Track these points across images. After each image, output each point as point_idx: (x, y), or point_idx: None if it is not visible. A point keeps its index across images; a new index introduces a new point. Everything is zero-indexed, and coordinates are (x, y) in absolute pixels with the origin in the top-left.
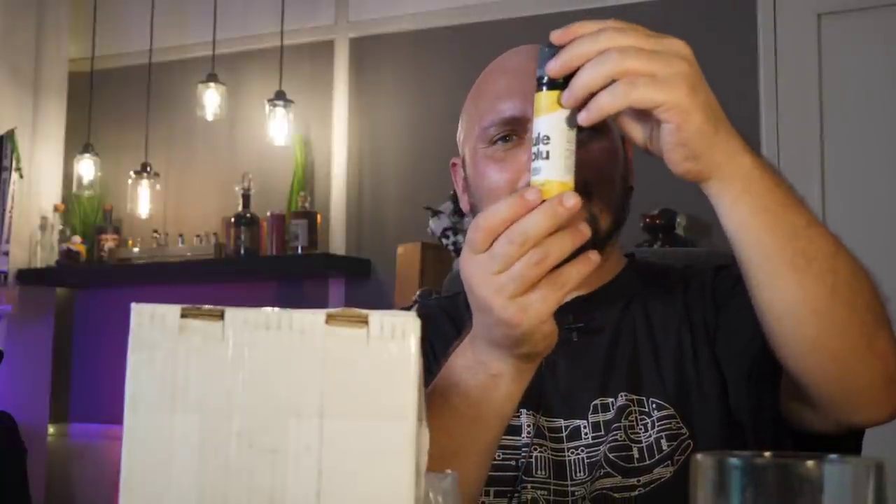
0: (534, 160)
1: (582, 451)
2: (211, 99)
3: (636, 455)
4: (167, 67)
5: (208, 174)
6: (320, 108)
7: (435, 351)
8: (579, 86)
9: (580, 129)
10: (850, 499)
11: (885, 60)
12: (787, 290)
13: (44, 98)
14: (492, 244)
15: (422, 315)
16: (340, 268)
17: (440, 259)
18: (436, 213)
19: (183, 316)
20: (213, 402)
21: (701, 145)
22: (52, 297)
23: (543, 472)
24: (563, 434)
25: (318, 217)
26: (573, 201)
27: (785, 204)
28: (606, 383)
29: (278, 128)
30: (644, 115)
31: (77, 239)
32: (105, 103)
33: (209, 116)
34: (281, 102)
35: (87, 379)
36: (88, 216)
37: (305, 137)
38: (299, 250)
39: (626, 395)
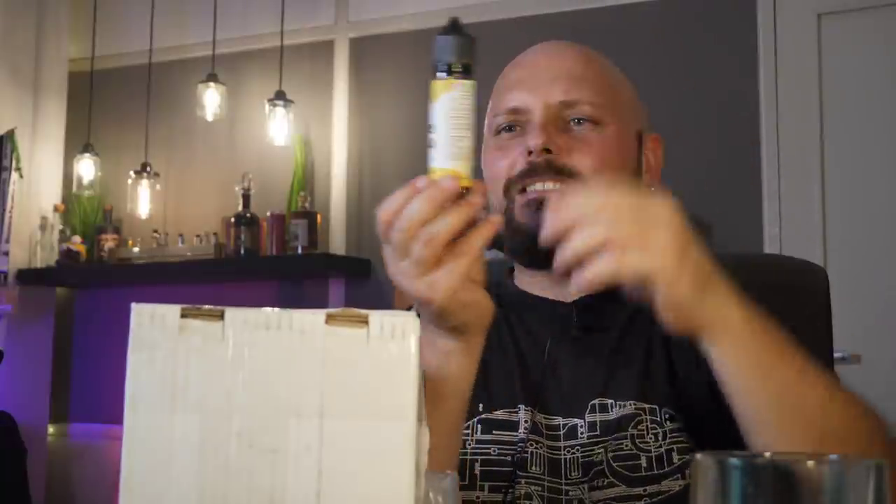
0: (428, 148)
1: (577, 450)
2: (211, 99)
3: (644, 464)
4: (167, 67)
5: (208, 174)
6: (320, 108)
7: None
8: (569, 253)
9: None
10: (850, 499)
11: (885, 60)
12: (775, 437)
13: (44, 98)
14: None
15: None
16: (340, 268)
17: None
18: None
19: (183, 316)
20: (213, 402)
21: (689, 307)
22: (52, 297)
23: (538, 469)
24: (561, 432)
25: (318, 217)
26: (448, 184)
27: (776, 357)
28: (608, 384)
29: (278, 128)
30: None
31: (77, 239)
32: (105, 103)
33: (209, 116)
34: (281, 102)
35: (87, 379)
36: (88, 216)
37: (305, 137)
38: (299, 250)
39: (635, 404)
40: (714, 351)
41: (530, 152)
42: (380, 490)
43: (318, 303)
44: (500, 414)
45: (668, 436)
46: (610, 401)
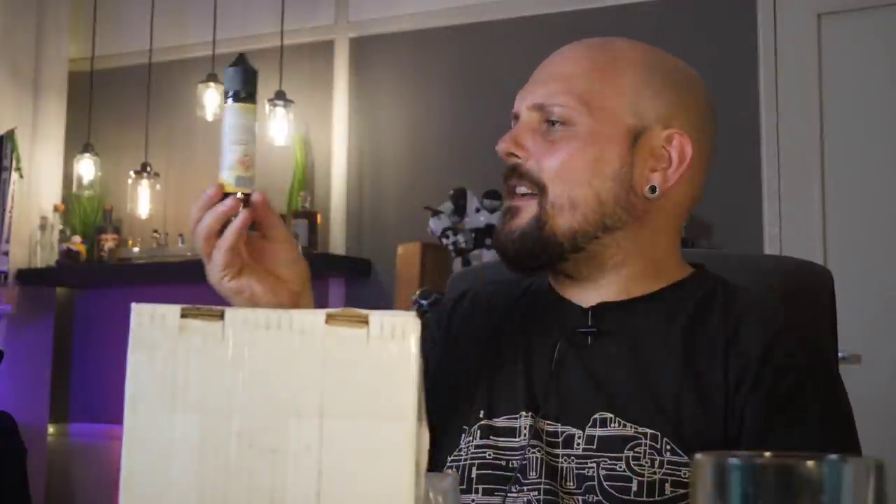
0: None
1: (573, 460)
2: (211, 99)
3: (634, 488)
4: (167, 67)
5: (208, 174)
6: (320, 108)
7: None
8: None
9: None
10: (850, 499)
11: (885, 60)
12: None
13: (44, 98)
14: None
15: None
16: (340, 268)
17: (440, 259)
18: (436, 213)
19: (183, 316)
20: (213, 402)
21: None
22: (52, 297)
23: (535, 474)
24: (559, 440)
25: (318, 217)
26: (209, 192)
27: None
28: (614, 398)
29: (278, 128)
30: None
31: (77, 239)
32: (105, 103)
33: (209, 116)
34: (281, 102)
35: (87, 379)
36: (88, 216)
37: (305, 137)
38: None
39: (636, 427)
40: None
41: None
42: (380, 490)
43: (318, 303)
44: (500, 421)
45: (665, 465)
46: (610, 415)
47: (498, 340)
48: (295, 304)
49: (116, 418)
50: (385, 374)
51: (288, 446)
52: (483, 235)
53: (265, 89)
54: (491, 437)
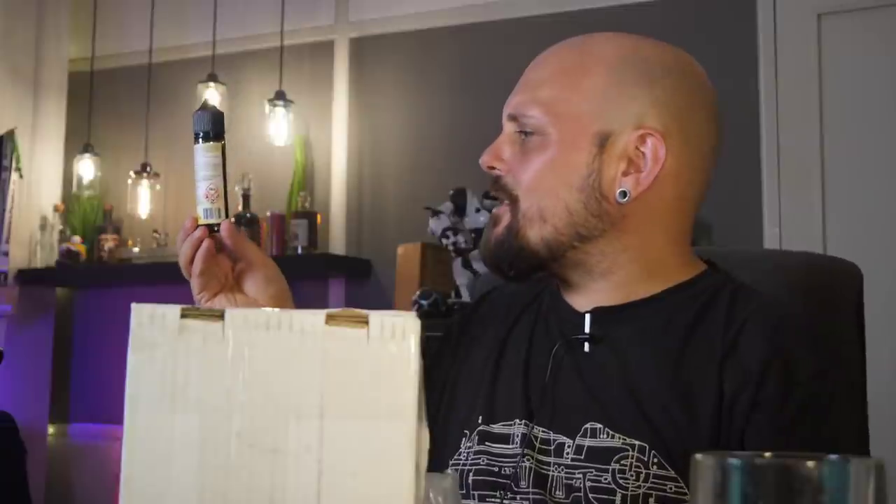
0: None
1: (562, 469)
2: (211, 99)
3: (618, 501)
4: (167, 67)
5: None
6: (320, 108)
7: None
8: None
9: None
10: (850, 499)
11: (885, 60)
12: None
13: (44, 98)
14: None
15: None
16: (340, 268)
17: (440, 259)
18: (436, 213)
19: (183, 316)
20: (213, 402)
21: None
22: (52, 297)
23: (525, 483)
24: (551, 448)
25: (318, 217)
26: (186, 224)
27: None
28: (606, 409)
29: (278, 128)
30: None
31: (77, 239)
32: (105, 103)
33: None
34: (281, 102)
35: (87, 379)
36: (88, 216)
37: (305, 137)
38: (299, 250)
39: (624, 439)
40: None
41: None
42: (380, 490)
43: (318, 303)
44: (497, 427)
45: (651, 479)
46: (600, 426)
47: (506, 344)
48: None
49: (116, 418)
50: (385, 374)
51: (288, 446)
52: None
53: (265, 89)
54: (487, 442)
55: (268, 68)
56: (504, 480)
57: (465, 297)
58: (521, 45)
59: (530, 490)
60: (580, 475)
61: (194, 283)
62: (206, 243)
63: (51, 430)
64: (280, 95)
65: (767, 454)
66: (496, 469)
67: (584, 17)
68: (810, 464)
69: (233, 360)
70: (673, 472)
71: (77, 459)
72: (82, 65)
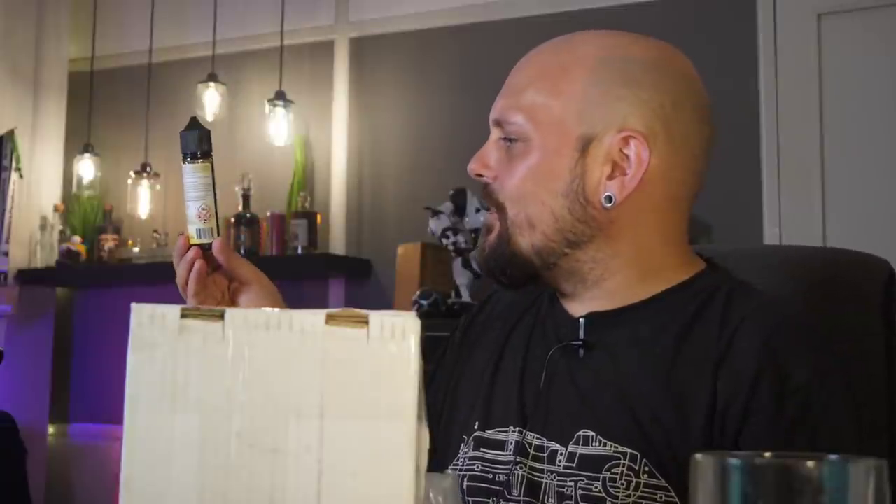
0: None
1: (554, 477)
2: (211, 99)
3: None
4: (167, 67)
5: None
6: (320, 108)
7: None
8: None
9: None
10: (850, 499)
11: (885, 60)
12: None
13: (44, 98)
14: None
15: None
16: (340, 268)
17: (440, 259)
18: (436, 213)
19: (183, 316)
20: (213, 402)
21: None
22: (52, 297)
23: (517, 491)
24: (544, 455)
25: (318, 217)
26: (179, 243)
27: None
28: (598, 416)
29: (278, 128)
30: None
31: (77, 239)
32: (105, 103)
33: (209, 116)
34: (281, 102)
35: (87, 379)
36: (88, 216)
37: (305, 137)
38: (299, 250)
39: (616, 447)
40: None
41: None
42: (380, 490)
43: (318, 303)
44: (492, 433)
45: (642, 488)
46: (593, 434)
47: (505, 349)
48: None
49: (116, 418)
50: (385, 374)
51: (288, 446)
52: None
53: (265, 89)
54: (482, 448)
55: (268, 68)
56: (497, 487)
57: (465, 297)
58: (521, 45)
59: (522, 498)
60: (571, 483)
61: (190, 304)
62: (198, 265)
63: (51, 430)
64: (280, 95)
65: (767, 454)
66: (490, 476)
67: (584, 17)
68: (810, 464)
69: (233, 360)
70: (664, 482)
71: (77, 459)
72: (82, 65)
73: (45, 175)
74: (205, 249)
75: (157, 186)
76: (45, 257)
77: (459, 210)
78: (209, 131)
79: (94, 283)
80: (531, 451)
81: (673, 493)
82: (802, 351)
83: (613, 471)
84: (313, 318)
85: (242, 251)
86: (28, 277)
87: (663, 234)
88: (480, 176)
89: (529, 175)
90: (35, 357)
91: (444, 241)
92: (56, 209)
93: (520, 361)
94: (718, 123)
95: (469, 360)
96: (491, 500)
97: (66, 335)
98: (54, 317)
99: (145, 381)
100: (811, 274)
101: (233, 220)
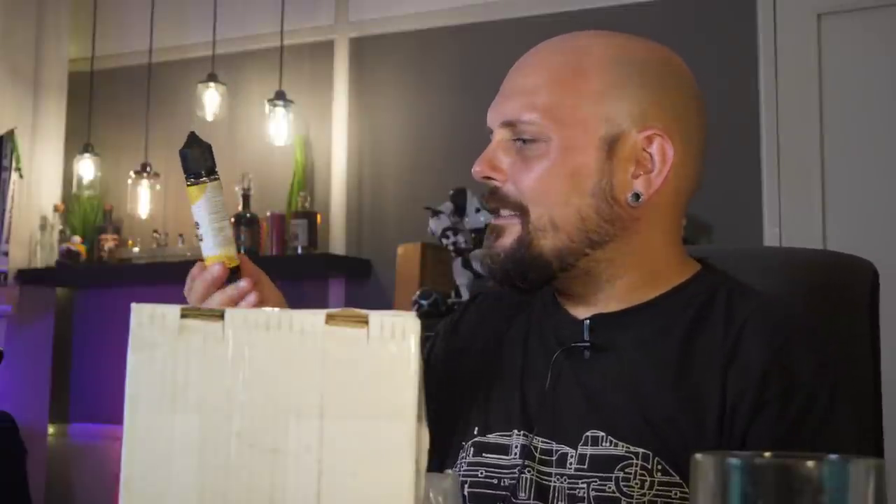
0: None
1: (564, 479)
2: (211, 99)
3: None
4: (167, 67)
5: None
6: (320, 108)
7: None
8: None
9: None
10: (850, 499)
11: (885, 60)
12: None
13: (44, 98)
14: None
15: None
16: (340, 268)
17: (440, 259)
18: (436, 213)
19: (183, 316)
20: (213, 402)
21: None
22: (52, 297)
23: (525, 494)
24: (553, 458)
25: (318, 217)
26: (216, 269)
27: None
28: (607, 417)
29: (278, 128)
30: None
31: (77, 239)
32: (105, 103)
33: (209, 116)
34: (281, 102)
35: (87, 379)
36: (88, 216)
37: (305, 137)
38: (299, 250)
39: (627, 447)
40: None
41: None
42: (380, 490)
43: (318, 303)
44: (493, 437)
45: (656, 487)
46: (603, 434)
47: (499, 351)
48: None
49: (116, 418)
50: (385, 374)
51: (288, 446)
52: (483, 235)
53: (265, 89)
54: (483, 454)
55: (268, 68)
56: (503, 492)
57: (466, 297)
58: (521, 45)
59: (530, 502)
60: (584, 485)
61: None
62: (254, 298)
63: (51, 430)
64: (280, 95)
65: (767, 454)
66: (495, 481)
67: (584, 17)
68: (810, 464)
69: (233, 360)
70: (678, 478)
71: (77, 459)
72: (82, 65)
73: (45, 175)
74: (232, 273)
75: (157, 186)
76: (45, 257)
77: (459, 210)
78: (210, 146)
79: (94, 283)
80: (537, 455)
81: (687, 489)
82: (805, 351)
83: (627, 470)
84: (313, 318)
85: (242, 251)
86: (28, 277)
87: (666, 234)
88: (489, 179)
89: (552, 176)
90: (35, 357)
91: (444, 241)
92: (56, 209)
93: (518, 364)
94: (718, 123)
95: (461, 366)
96: None
97: (66, 335)
98: (54, 317)
99: (145, 381)
100: (800, 276)
101: (233, 220)
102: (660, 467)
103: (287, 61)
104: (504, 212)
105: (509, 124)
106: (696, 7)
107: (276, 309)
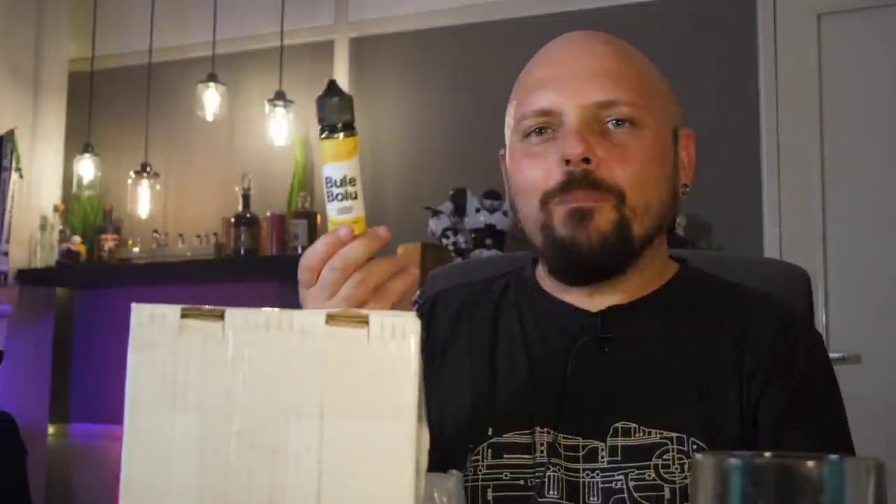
0: (341, 201)
1: (597, 474)
2: (211, 99)
3: (667, 496)
4: (167, 67)
5: (208, 174)
6: None
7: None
8: None
9: None
10: (850, 499)
11: (885, 60)
12: None
13: (44, 98)
14: (317, 278)
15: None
16: None
17: (440, 259)
18: (436, 213)
19: (183, 316)
20: (213, 402)
21: None
22: (52, 297)
23: (555, 493)
24: (580, 454)
25: (318, 217)
26: (381, 233)
27: None
28: (634, 407)
29: (278, 128)
30: None
31: (77, 239)
32: (105, 103)
33: (209, 116)
34: (281, 102)
35: (87, 379)
36: (88, 216)
37: (305, 137)
38: (299, 250)
39: (661, 433)
40: None
41: (568, 161)
42: (380, 490)
43: None
44: (511, 437)
45: (690, 469)
46: (634, 425)
47: (493, 351)
48: None
49: (116, 418)
50: (385, 374)
51: (288, 446)
52: (483, 235)
53: (265, 89)
54: (504, 455)
55: (268, 68)
56: (529, 493)
57: None
58: (521, 45)
59: (563, 500)
60: (621, 476)
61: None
62: (415, 270)
63: (51, 430)
64: (280, 95)
65: (767, 454)
66: (521, 482)
67: (584, 17)
68: (810, 464)
69: (233, 360)
70: None
71: (77, 459)
72: (82, 65)
73: (45, 175)
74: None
75: (157, 186)
76: (45, 257)
77: (459, 210)
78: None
79: (94, 283)
80: (563, 452)
81: None
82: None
83: (665, 457)
84: (313, 318)
85: (242, 251)
86: (28, 277)
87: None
88: (586, 161)
89: (648, 161)
90: (35, 357)
91: (444, 241)
92: (56, 209)
93: (522, 361)
94: (718, 123)
95: (446, 369)
96: None
97: (66, 335)
98: (54, 317)
99: (145, 381)
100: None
101: (233, 220)
102: (695, 447)
103: (287, 61)
104: (593, 199)
105: (604, 105)
106: (695, 7)
107: (276, 309)
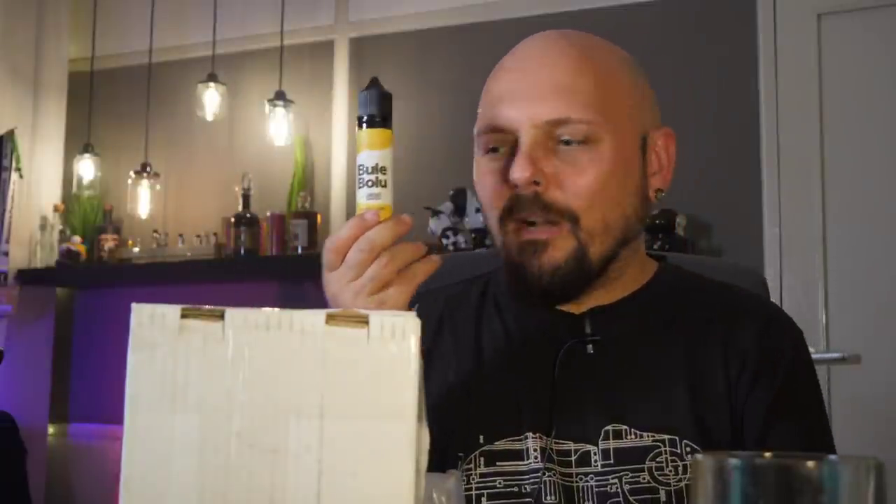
0: (371, 187)
1: (591, 478)
2: (211, 99)
3: (663, 498)
4: (167, 67)
5: (208, 174)
6: (320, 108)
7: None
8: None
9: None
10: (850, 499)
11: (885, 60)
12: None
13: (44, 98)
14: (343, 260)
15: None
16: None
17: None
18: (436, 213)
19: (183, 316)
20: (213, 402)
21: None
22: (52, 297)
23: (553, 498)
24: (573, 458)
25: (318, 217)
26: (407, 219)
27: None
28: (624, 408)
29: (278, 128)
30: None
31: (77, 239)
32: (105, 103)
33: (209, 116)
34: (281, 102)
35: (87, 379)
36: (88, 216)
37: (305, 137)
38: (299, 250)
39: (653, 435)
40: None
41: (516, 185)
42: (380, 490)
43: (318, 303)
44: (502, 444)
45: (689, 469)
46: (625, 427)
47: (478, 356)
48: None
49: (116, 418)
50: (385, 374)
51: (288, 446)
52: (483, 235)
53: (265, 89)
54: (497, 462)
55: (268, 68)
56: (526, 499)
57: None
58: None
59: None
60: (615, 480)
61: (410, 289)
62: (436, 257)
63: (51, 430)
64: (280, 95)
65: (767, 454)
66: (515, 489)
67: (584, 17)
68: (810, 464)
69: (233, 360)
70: None
71: (77, 459)
72: (82, 65)
73: (45, 175)
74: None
75: (157, 186)
76: (45, 257)
77: (459, 210)
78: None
79: (94, 283)
80: (556, 457)
81: None
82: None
83: (658, 459)
84: (313, 318)
85: (242, 251)
86: (28, 277)
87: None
88: (535, 184)
89: (607, 177)
90: (35, 357)
91: (444, 241)
92: (56, 209)
93: (512, 368)
94: (718, 123)
95: (429, 376)
96: None
97: (66, 335)
98: (54, 317)
99: (145, 381)
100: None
101: (233, 220)
102: (688, 449)
103: (287, 61)
104: (545, 221)
105: (556, 123)
106: (695, 7)
107: (276, 309)
